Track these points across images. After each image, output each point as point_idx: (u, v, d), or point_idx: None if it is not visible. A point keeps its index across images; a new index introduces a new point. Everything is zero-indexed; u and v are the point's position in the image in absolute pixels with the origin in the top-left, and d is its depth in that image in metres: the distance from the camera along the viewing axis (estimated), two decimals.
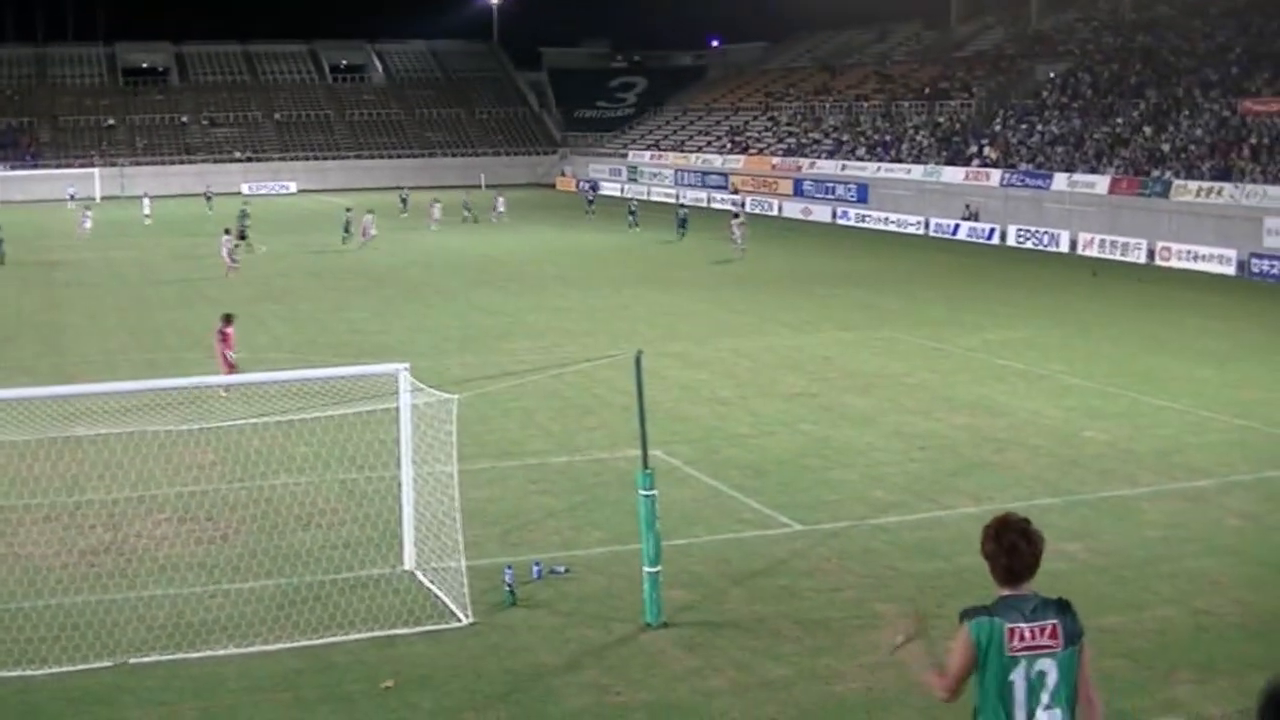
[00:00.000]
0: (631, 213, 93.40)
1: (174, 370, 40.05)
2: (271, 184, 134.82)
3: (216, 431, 31.64)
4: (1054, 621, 9.66)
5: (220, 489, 28.01)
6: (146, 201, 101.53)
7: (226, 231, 68.04)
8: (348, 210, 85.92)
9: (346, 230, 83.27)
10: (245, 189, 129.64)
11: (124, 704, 18.04)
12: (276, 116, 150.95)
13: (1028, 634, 9.61)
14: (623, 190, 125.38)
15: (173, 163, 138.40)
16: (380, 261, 73.28)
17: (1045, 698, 9.65)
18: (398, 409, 23.31)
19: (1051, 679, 9.64)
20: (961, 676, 9.79)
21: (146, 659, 19.24)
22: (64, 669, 18.88)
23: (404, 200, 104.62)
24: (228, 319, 38.23)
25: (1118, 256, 75.83)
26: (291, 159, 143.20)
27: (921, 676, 10.12)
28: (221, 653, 19.51)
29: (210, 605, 21.45)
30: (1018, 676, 9.61)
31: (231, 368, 36.84)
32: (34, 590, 22.00)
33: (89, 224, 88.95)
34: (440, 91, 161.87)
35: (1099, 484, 29.09)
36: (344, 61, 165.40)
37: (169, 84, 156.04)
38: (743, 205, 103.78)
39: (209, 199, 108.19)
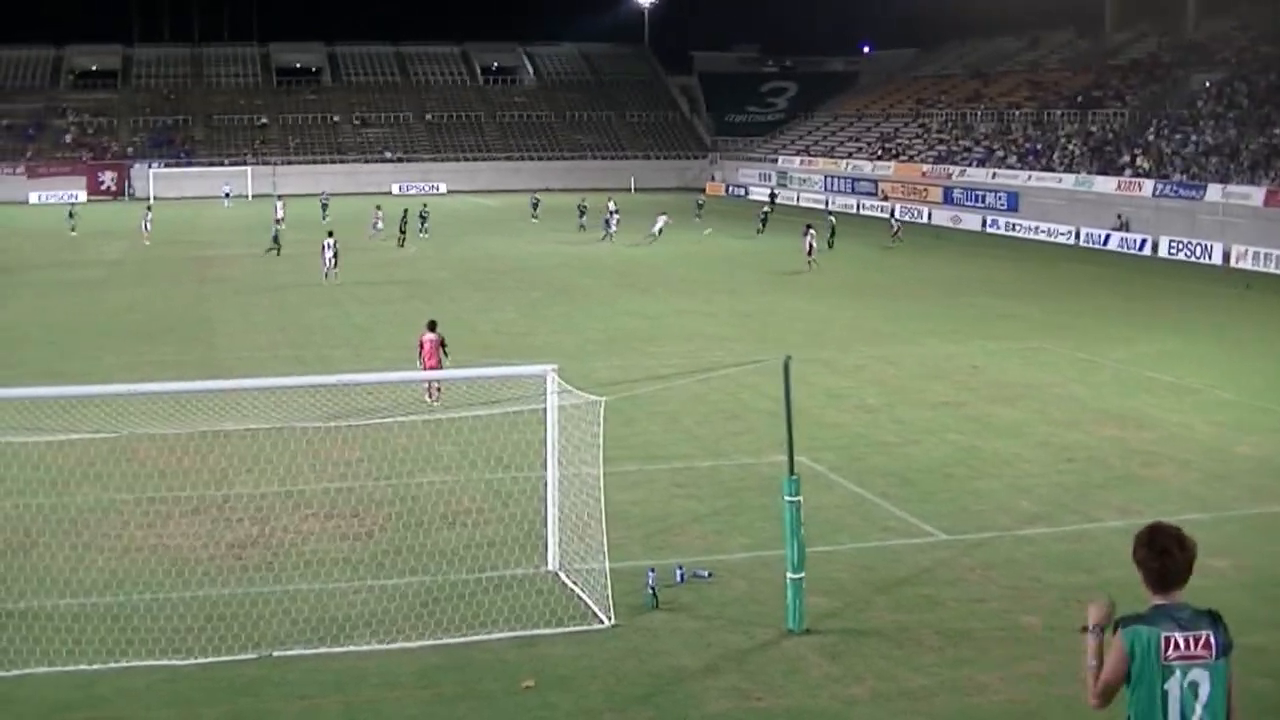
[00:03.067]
0: (762, 217, 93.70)
1: (321, 367, 40.47)
2: (421, 184, 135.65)
3: (364, 429, 31.90)
4: (1207, 632, 9.59)
5: (366, 486, 28.29)
6: (279, 205, 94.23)
7: (330, 234, 67.49)
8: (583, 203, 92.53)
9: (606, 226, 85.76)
10: (395, 189, 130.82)
11: (267, 695, 18.27)
12: (427, 117, 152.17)
13: (1183, 643, 9.56)
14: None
15: (324, 162, 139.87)
16: (525, 264, 73.63)
17: (1198, 708, 9.57)
18: (545, 410, 23.41)
19: (1205, 690, 9.56)
20: (1113, 685, 9.74)
21: (290, 652, 19.49)
22: (209, 659, 19.17)
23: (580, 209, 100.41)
24: (431, 325, 37.64)
25: (1272, 270, 74.64)
26: (442, 160, 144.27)
27: (1082, 673, 10.01)
28: (364, 648, 19.74)
29: (354, 600, 21.68)
30: (1172, 686, 9.56)
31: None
32: (181, 581, 22.34)
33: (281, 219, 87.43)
34: (590, 94, 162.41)
35: (1249, 501, 28.70)
36: (495, 63, 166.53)
37: (321, 84, 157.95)
38: (828, 210, 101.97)
39: (325, 206, 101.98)
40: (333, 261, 64.62)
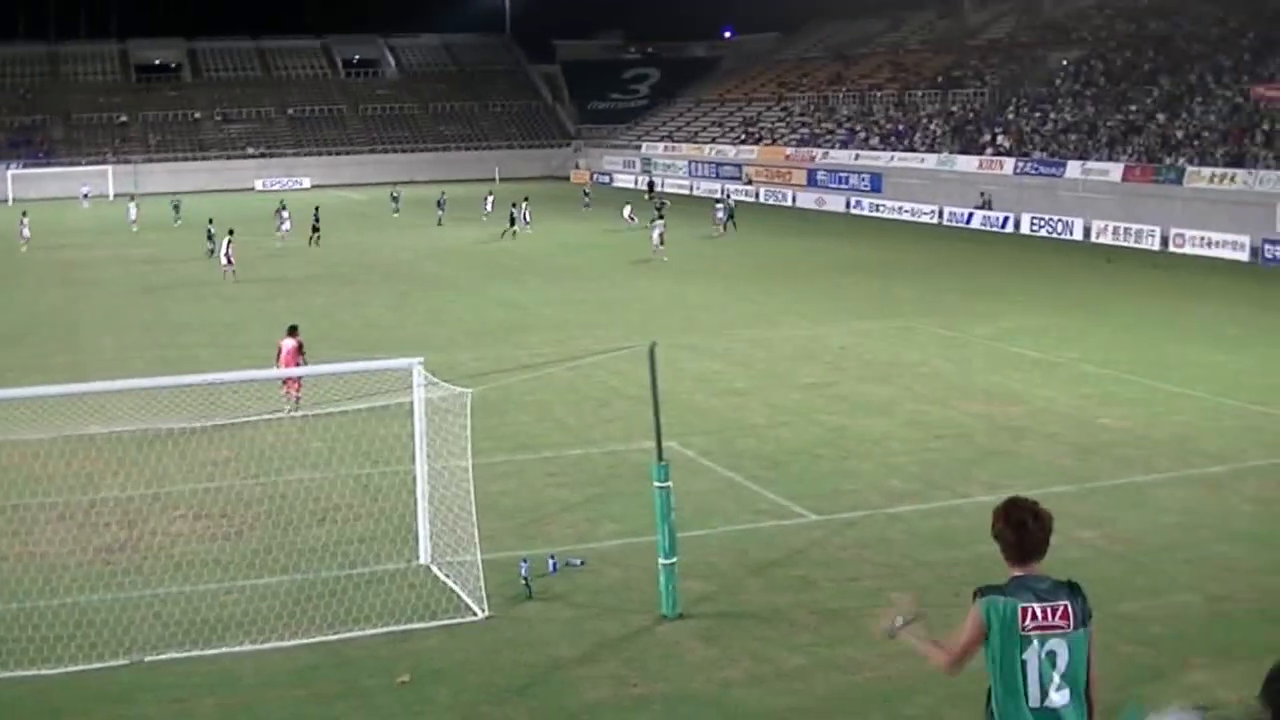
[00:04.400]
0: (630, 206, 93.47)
1: (187, 367, 40.05)
2: (285, 180, 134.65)
3: (231, 428, 31.62)
4: (1065, 602, 9.72)
5: (235, 485, 28.01)
6: (132, 208, 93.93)
7: (231, 232, 66.84)
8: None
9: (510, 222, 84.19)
10: (259, 185, 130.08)
11: (140, 701, 18.04)
12: (290, 112, 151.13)
13: (1040, 614, 9.68)
14: (636, 183, 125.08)
15: (186, 159, 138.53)
16: (392, 256, 73.31)
17: (1056, 677, 9.70)
18: (412, 403, 23.30)
19: (1062, 659, 9.70)
20: (968, 651, 9.93)
21: (162, 656, 19.24)
22: (80, 667, 18.88)
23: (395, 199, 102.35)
24: (291, 331, 36.15)
25: (1131, 244, 75.70)
26: (305, 154, 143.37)
27: (922, 649, 10.21)
28: (237, 649, 19.51)
29: (225, 602, 21.45)
30: (1030, 656, 9.69)
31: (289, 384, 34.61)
32: (49, 589, 21.97)
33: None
34: (453, 85, 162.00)
35: (1115, 471, 29.05)
36: (357, 56, 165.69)
37: (182, 80, 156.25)
38: (726, 195, 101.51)
39: (176, 208, 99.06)
40: (228, 260, 63.50)
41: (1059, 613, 9.68)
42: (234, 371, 33.62)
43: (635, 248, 74.01)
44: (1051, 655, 9.70)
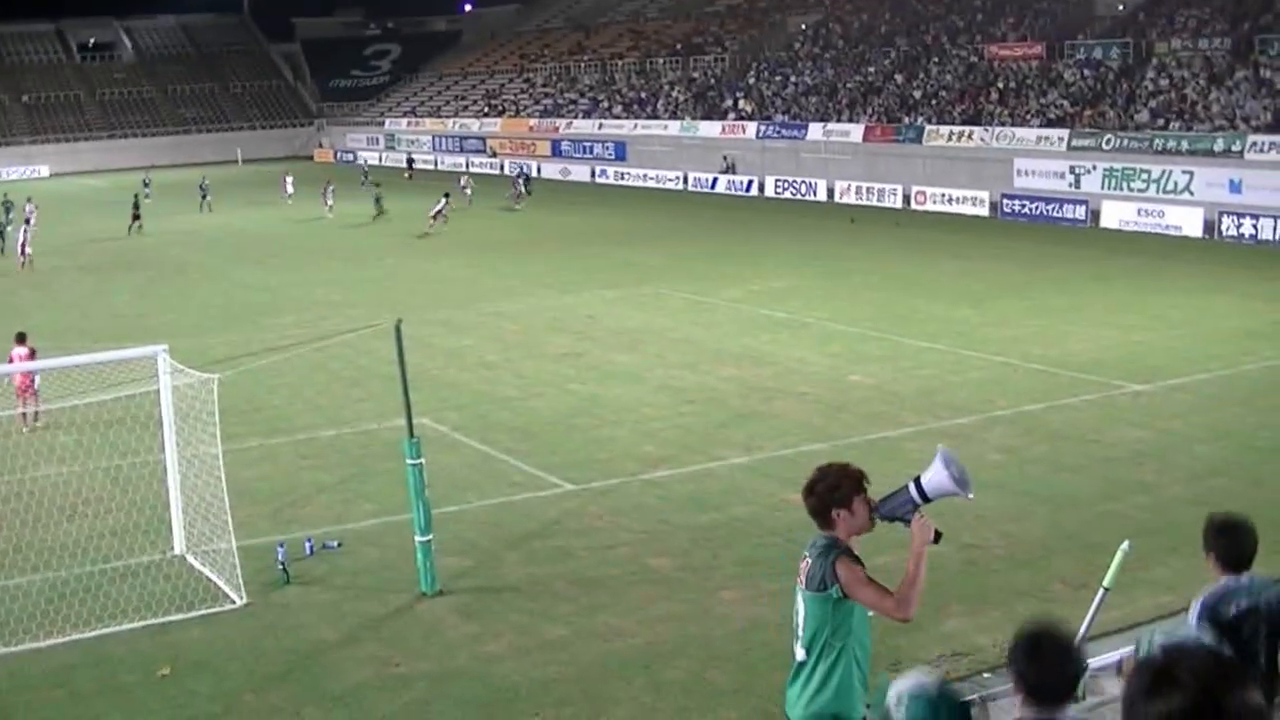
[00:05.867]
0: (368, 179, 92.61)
1: None
2: (23, 168, 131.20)
3: None
4: (806, 558, 9.96)
5: None
6: None
7: (27, 222, 64.89)
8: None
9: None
10: None
11: None
12: (24, 99, 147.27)
13: (800, 568, 10.05)
14: (381, 159, 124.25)
15: None
16: (139, 244, 72.04)
17: (799, 632, 10.06)
18: (158, 392, 22.99)
19: (799, 615, 10.04)
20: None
21: None
22: None
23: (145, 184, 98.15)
24: (20, 338, 33.31)
25: (875, 203, 77.03)
26: (42, 142, 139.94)
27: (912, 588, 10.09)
28: None
29: None
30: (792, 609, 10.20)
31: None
32: None
33: None
34: (192, 67, 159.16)
35: (866, 427, 29.56)
36: (92, 40, 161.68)
37: None
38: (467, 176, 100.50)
39: None
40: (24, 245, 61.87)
41: (803, 567, 9.96)
42: None
43: (384, 228, 73.74)
44: (796, 611, 10.00)
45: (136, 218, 76.50)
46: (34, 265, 61.59)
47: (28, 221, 68.21)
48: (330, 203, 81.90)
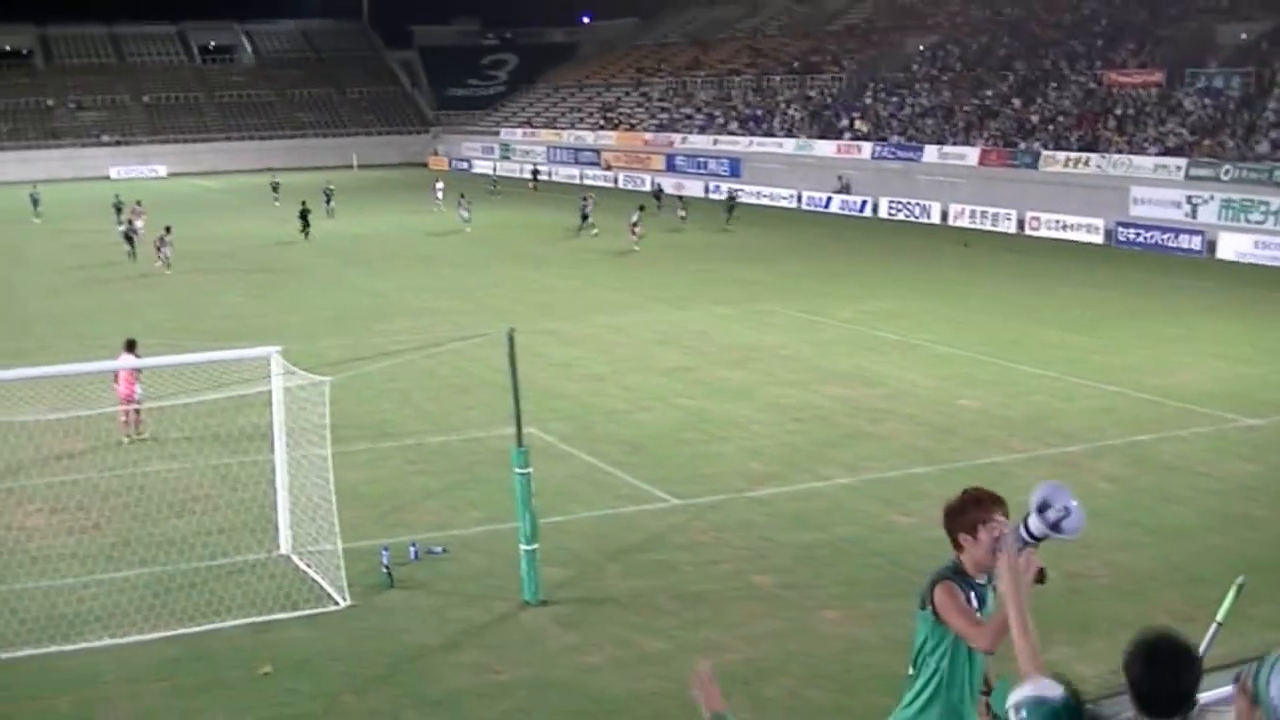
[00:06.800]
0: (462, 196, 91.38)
1: (43, 358, 39.49)
2: (141, 168, 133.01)
3: (88, 419, 31.20)
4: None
5: (92, 478, 27.63)
6: None
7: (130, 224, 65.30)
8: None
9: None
10: (114, 173, 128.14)
11: None
12: (145, 99, 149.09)
13: None
14: (495, 169, 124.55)
15: (39, 147, 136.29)
16: (253, 245, 72.62)
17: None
18: (271, 392, 23.16)
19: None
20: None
21: (19, 653, 18.94)
22: None
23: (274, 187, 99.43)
24: (129, 346, 32.23)
25: (988, 227, 76.53)
26: (161, 142, 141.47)
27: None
28: (96, 644, 19.27)
29: (84, 596, 21.15)
30: None
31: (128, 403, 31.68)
32: None
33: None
34: (310, 72, 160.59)
35: (974, 451, 29.32)
36: (213, 42, 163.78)
37: (33, 67, 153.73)
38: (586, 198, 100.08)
39: (35, 201, 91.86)
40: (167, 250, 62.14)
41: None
42: (91, 363, 33.08)
43: (486, 235, 73.95)
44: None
45: (306, 224, 75.65)
46: (170, 265, 61.78)
47: (131, 223, 68.81)
48: (466, 214, 79.38)
